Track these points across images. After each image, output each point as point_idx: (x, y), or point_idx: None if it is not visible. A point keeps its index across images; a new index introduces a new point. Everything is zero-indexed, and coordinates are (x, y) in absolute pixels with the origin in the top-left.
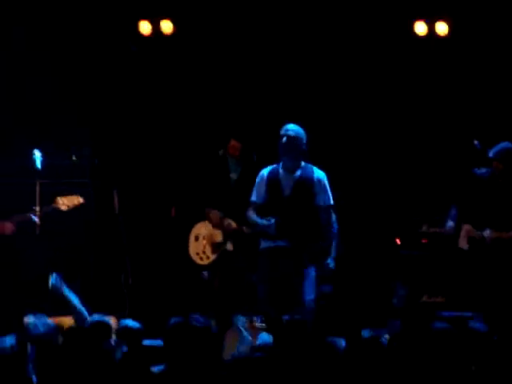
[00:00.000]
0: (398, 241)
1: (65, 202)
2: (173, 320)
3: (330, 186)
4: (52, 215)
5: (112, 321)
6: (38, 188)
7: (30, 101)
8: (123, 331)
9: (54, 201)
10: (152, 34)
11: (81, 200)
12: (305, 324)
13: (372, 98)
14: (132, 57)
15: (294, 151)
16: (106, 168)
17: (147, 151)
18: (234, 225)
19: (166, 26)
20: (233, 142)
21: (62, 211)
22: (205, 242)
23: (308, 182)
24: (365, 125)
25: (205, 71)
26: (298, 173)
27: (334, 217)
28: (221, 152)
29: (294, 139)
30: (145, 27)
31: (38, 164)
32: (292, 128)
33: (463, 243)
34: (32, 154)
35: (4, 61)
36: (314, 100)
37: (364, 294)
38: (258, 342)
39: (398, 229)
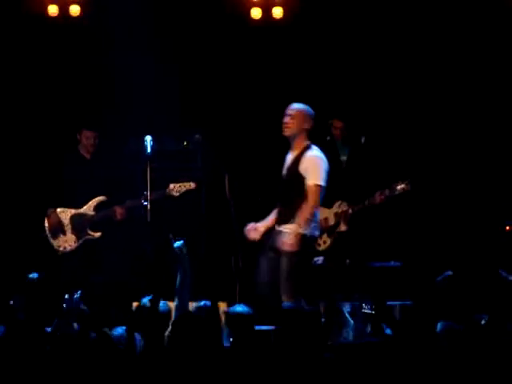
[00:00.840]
0: (508, 228)
1: (177, 188)
2: (285, 305)
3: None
4: (163, 201)
5: (220, 306)
6: (148, 173)
7: (142, 87)
8: (234, 317)
9: (166, 187)
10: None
11: (192, 185)
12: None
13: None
14: (239, 44)
15: (288, 129)
16: (217, 153)
17: (258, 135)
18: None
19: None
20: (335, 122)
21: (173, 197)
22: None
23: (296, 162)
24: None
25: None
26: (295, 154)
27: (316, 197)
28: (328, 138)
29: (288, 118)
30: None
31: (149, 149)
32: (291, 107)
33: None
34: (144, 140)
35: (119, 49)
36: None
37: (472, 279)
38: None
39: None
